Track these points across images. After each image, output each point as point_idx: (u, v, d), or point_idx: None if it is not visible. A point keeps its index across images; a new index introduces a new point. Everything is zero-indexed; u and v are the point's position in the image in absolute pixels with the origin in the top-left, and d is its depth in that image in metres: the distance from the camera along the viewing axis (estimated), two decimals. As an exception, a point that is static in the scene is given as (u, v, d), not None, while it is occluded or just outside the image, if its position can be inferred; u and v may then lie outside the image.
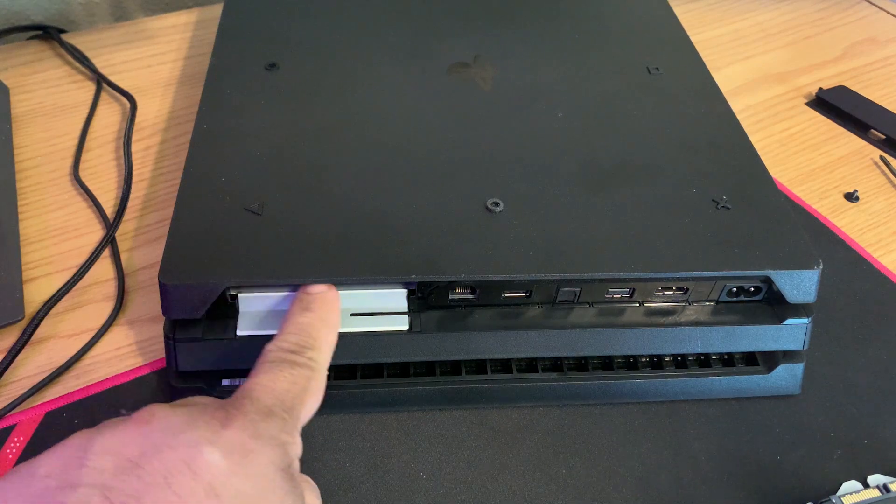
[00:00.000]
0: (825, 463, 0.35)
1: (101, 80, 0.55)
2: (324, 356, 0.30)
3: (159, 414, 0.24)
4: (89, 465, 0.22)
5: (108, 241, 0.43)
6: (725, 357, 0.38)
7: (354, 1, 0.52)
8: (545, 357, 0.36)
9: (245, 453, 0.24)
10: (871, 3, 0.72)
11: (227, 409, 0.25)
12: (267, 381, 0.27)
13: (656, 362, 0.37)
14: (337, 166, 0.38)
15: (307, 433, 0.28)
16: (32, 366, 0.37)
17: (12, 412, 0.35)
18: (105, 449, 0.22)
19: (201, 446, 0.23)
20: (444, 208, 0.36)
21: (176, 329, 0.33)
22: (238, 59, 0.45)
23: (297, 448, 0.26)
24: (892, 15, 0.70)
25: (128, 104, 0.53)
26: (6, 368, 0.36)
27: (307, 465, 0.33)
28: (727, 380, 0.37)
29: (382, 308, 0.34)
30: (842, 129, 0.56)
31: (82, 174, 0.47)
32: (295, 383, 0.27)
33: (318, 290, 0.32)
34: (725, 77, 0.60)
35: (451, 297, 0.35)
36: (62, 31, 0.60)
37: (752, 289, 0.36)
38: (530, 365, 0.36)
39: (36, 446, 0.34)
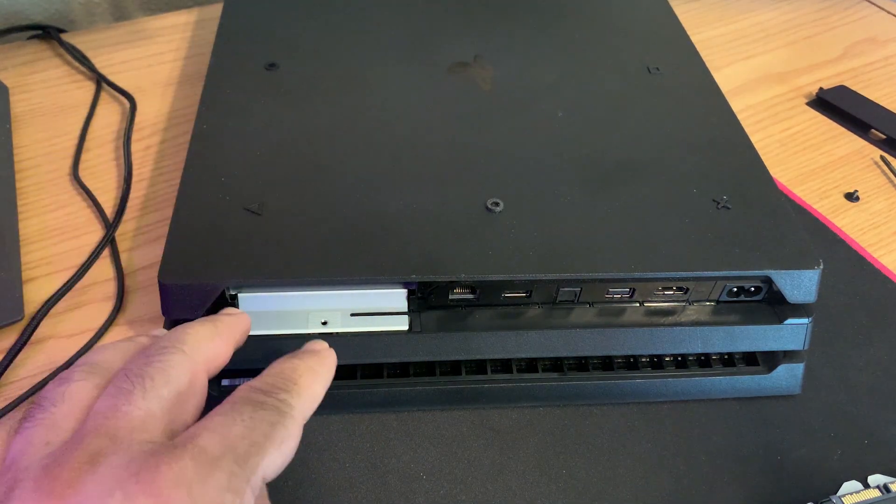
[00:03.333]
0: (825, 463, 0.35)
1: (100, 80, 0.55)
2: (301, 403, 0.25)
3: (74, 480, 0.20)
4: None
5: (108, 240, 0.43)
6: (726, 357, 0.38)
7: (354, 1, 0.52)
8: (545, 357, 0.36)
9: None
10: (871, 2, 0.72)
11: (158, 460, 0.20)
12: (219, 424, 0.22)
13: (656, 362, 0.37)
14: (337, 166, 0.38)
15: (306, 434, 0.28)
16: (32, 366, 0.37)
17: (12, 412, 0.35)
18: None
19: None
20: (444, 208, 0.36)
21: (176, 329, 0.33)
22: (238, 59, 0.45)
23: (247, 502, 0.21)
24: (893, 15, 0.70)
25: (127, 104, 0.53)
26: (6, 368, 0.36)
27: (307, 466, 0.33)
28: (727, 380, 0.37)
29: (382, 308, 0.34)
30: (842, 129, 0.56)
31: (82, 174, 0.47)
32: (255, 428, 0.23)
33: (316, 347, 0.29)
34: (725, 77, 0.60)
35: (451, 297, 0.35)
36: (62, 31, 0.59)
37: (753, 289, 0.36)
38: (530, 365, 0.36)
39: (35, 446, 0.33)
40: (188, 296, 0.32)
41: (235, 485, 0.21)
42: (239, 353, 0.33)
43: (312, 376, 0.27)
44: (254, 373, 0.27)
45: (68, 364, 0.37)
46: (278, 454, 0.23)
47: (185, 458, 0.20)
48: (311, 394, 0.26)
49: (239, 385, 0.25)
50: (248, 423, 0.22)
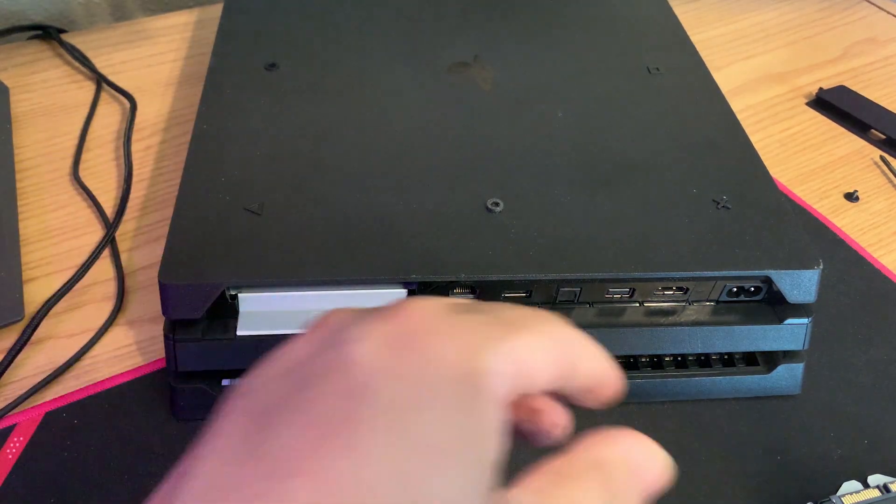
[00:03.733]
0: (826, 463, 0.35)
1: (100, 80, 0.55)
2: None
3: (339, 313, 0.19)
4: (255, 383, 0.18)
5: (108, 240, 0.43)
6: (726, 357, 0.38)
7: (354, 1, 0.52)
8: (545, 357, 0.36)
9: (405, 343, 0.17)
10: (871, 2, 0.72)
11: (416, 300, 0.19)
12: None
13: (656, 362, 0.37)
14: (337, 166, 0.38)
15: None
16: (32, 366, 0.37)
17: (12, 412, 0.35)
18: (278, 358, 0.18)
19: (354, 340, 0.17)
20: (444, 208, 0.36)
21: (176, 329, 0.33)
22: (238, 59, 0.45)
23: (503, 363, 0.18)
24: (893, 15, 0.70)
25: (128, 104, 0.53)
26: (6, 368, 0.36)
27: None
28: (727, 380, 0.37)
29: (382, 308, 0.34)
30: (842, 129, 0.56)
31: (82, 174, 0.47)
32: (522, 315, 0.20)
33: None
34: (725, 77, 0.60)
35: (450, 297, 0.35)
36: (62, 31, 0.60)
37: (753, 289, 0.36)
38: (530, 365, 0.36)
39: (36, 447, 0.33)
40: (188, 296, 0.32)
41: (491, 334, 0.18)
42: (239, 356, 0.33)
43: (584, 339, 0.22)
44: None
45: (69, 365, 0.37)
46: (541, 337, 0.19)
47: (441, 300, 0.19)
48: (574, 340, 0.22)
49: None
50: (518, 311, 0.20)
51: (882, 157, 0.53)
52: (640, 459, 0.21)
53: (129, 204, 0.45)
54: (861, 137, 0.55)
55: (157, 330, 0.39)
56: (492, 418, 0.17)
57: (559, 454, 0.20)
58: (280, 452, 0.16)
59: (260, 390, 0.17)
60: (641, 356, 0.37)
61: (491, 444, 0.17)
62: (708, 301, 0.37)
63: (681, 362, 0.37)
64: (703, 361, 0.37)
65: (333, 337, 0.18)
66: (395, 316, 0.18)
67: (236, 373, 0.34)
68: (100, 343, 0.38)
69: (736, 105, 0.56)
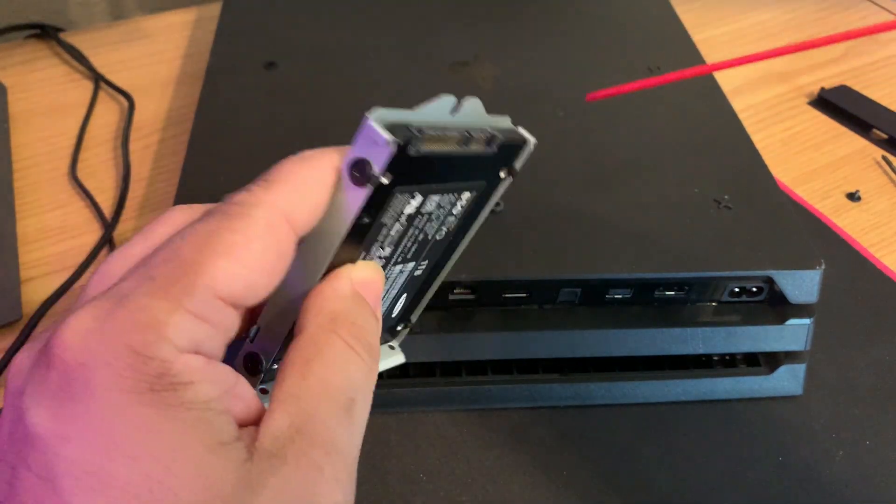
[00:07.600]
0: (827, 464, 0.35)
1: (98, 79, 0.54)
2: (270, 199, 0.18)
3: (17, 363, 0.17)
4: None
5: (106, 240, 0.42)
6: (727, 358, 0.37)
7: (354, 0, 0.52)
8: (545, 358, 0.36)
9: (71, 392, 0.15)
10: (872, 2, 0.72)
11: (65, 321, 0.16)
12: (142, 239, 0.18)
13: (657, 363, 0.37)
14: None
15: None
16: (29, 366, 0.37)
17: (9, 413, 0.34)
18: None
19: (26, 414, 0.16)
20: (444, 208, 0.35)
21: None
22: (237, 58, 0.45)
23: (181, 330, 0.16)
24: (894, 14, 0.70)
25: (126, 103, 0.53)
26: (3, 369, 0.36)
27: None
28: (729, 381, 0.37)
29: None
30: (844, 129, 0.56)
31: (80, 174, 0.47)
32: (190, 237, 0.17)
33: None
34: (726, 76, 0.60)
35: (450, 297, 0.35)
36: (60, 30, 0.59)
37: (754, 289, 0.36)
38: (530, 366, 0.36)
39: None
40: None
41: (149, 297, 0.16)
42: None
43: (298, 163, 0.20)
44: None
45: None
46: (236, 259, 0.17)
47: (96, 297, 0.17)
48: (291, 192, 0.19)
49: None
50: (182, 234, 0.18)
51: (884, 157, 0.53)
52: (346, 288, 0.20)
53: (128, 203, 0.45)
54: (863, 137, 0.55)
55: (156, 330, 0.39)
56: (193, 412, 0.16)
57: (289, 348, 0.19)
58: None
59: None
60: (642, 357, 0.37)
61: (211, 427, 0.16)
62: (709, 301, 0.36)
63: (682, 363, 0.37)
64: (705, 362, 0.37)
65: (16, 405, 0.16)
66: (51, 361, 0.16)
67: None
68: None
69: (737, 105, 0.55)
